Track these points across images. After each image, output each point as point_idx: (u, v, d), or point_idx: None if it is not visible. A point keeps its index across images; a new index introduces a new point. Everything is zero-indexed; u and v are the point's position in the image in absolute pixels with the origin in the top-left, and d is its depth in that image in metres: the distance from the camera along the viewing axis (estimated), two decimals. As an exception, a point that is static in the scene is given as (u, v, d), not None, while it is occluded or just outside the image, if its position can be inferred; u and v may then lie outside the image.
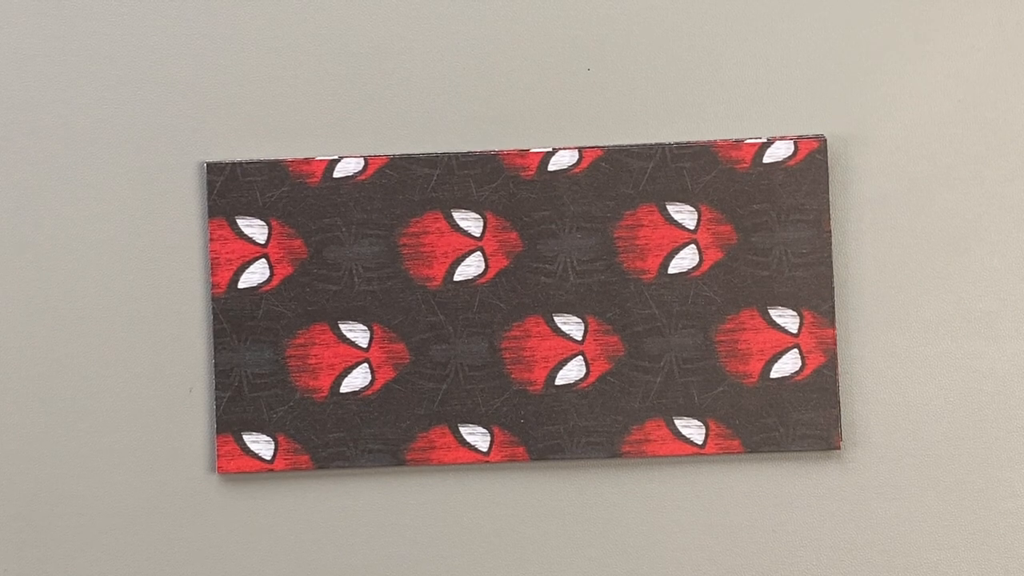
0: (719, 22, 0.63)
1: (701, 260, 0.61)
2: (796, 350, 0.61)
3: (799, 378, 0.61)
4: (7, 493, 0.63)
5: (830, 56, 0.63)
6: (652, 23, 0.62)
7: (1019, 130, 0.63)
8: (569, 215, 0.61)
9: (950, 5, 0.63)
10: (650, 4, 0.62)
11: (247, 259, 0.62)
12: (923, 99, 0.63)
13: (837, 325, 0.62)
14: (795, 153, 0.61)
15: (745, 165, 0.61)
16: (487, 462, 0.62)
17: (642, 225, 0.61)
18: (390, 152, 0.62)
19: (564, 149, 0.61)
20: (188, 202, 0.63)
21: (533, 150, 0.61)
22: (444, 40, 0.63)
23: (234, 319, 0.62)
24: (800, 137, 0.62)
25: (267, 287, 0.62)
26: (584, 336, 0.61)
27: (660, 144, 0.61)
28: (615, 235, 0.61)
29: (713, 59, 0.63)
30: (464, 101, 0.63)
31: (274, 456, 0.62)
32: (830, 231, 0.61)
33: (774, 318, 0.61)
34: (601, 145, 0.61)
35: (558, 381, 0.61)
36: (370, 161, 0.62)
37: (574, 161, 0.61)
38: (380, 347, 0.62)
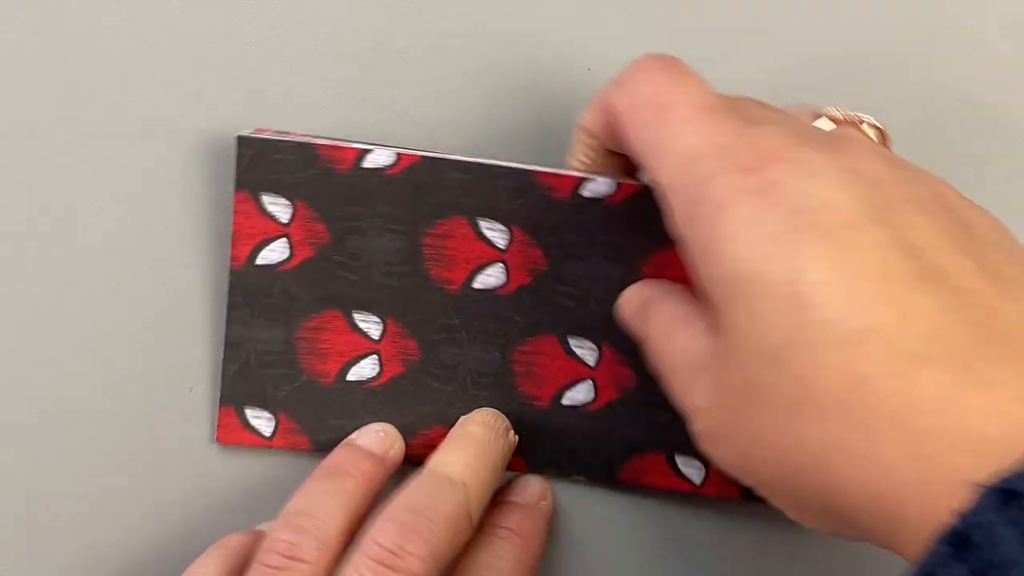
0: (719, 22, 0.61)
1: None
2: None
3: None
4: (4, 463, 0.63)
5: (830, 56, 0.61)
6: (654, 22, 0.61)
7: (1020, 130, 0.62)
8: (598, 243, 0.60)
9: (950, 5, 0.62)
10: (654, 4, 0.61)
11: (268, 236, 0.61)
12: (923, 99, 0.61)
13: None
14: None
15: None
16: (484, 468, 0.62)
17: (671, 265, 0.59)
18: (423, 150, 0.61)
19: (601, 176, 0.59)
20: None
21: (567, 173, 0.60)
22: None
23: (248, 294, 0.61)
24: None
25: (285, 267, 0.61)
26: (597, 363, 0.61)
27: None
28: (642, 270, 0.59)
29: (714, 58, 0.61)
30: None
31: (274, 433, 0.62)
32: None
33: None
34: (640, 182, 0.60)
35: (564, 401, 0.61)
36: (401, 156, 0.60)
37: (612, 190, 0.59)
38: (391, 341, 0.61)
